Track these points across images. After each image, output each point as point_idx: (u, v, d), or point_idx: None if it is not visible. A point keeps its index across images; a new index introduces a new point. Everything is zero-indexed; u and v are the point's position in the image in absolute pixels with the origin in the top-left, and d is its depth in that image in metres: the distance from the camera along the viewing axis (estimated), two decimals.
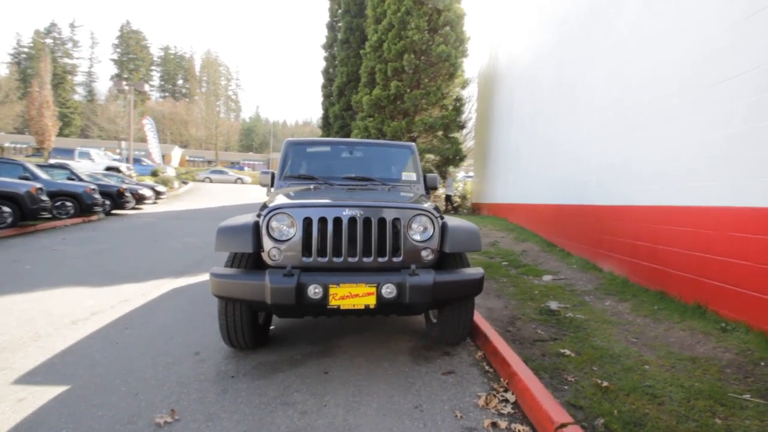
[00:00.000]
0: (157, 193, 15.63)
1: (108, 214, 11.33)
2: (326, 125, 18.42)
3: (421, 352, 2.87)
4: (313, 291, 2.32)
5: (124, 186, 12.56)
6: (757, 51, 3.01)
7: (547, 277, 4.94)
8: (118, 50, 61.36)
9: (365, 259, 2.53)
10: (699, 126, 3.54)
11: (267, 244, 2.49)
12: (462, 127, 13.26)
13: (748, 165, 3.01)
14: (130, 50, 61.23)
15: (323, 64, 18.66)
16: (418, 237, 2.61)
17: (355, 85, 15.30)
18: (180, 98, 59.97)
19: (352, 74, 15.34)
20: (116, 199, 11.71)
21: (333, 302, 2.33)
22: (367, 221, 2.54)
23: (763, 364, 2.41)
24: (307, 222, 2.52)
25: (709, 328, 2.97)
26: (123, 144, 26.26)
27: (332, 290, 2.32)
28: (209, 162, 44.95)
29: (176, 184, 20.94)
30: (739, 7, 3.22)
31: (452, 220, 2.81)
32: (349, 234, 2.53)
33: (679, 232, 3.59)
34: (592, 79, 5.67)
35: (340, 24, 17.26)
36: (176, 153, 45.30)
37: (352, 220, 2.53)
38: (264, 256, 2.51)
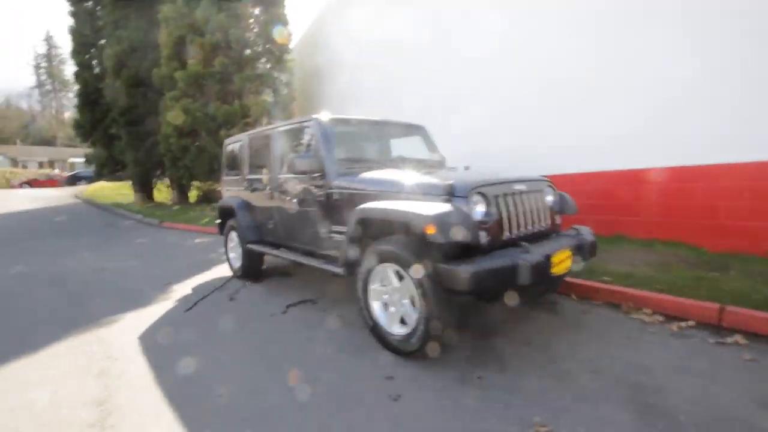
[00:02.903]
0: None
1: None
2: (89, 104, 13.72)
3: (532, 314, 3.23)
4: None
5: None
6: None
7: None
8: None
9: (535, 228, 2.70)
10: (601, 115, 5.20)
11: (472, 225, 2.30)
12: (291, 114, 12.89)
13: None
14: None
15: (71, 20, 13.54)
16: (551, 204, 2.96)
17: (144, 54, 12.16)
18: None
19: (138, 41, 12.08)
20: None
21: (553, 270, 2.44)
22: (527, 194, 2.71)
23: (693, 257, 4.06)
24: (497, 199, 2.47)
25: (638, 247, 4.59)
26: None
27: (553, 259, 2.42)
28: None
29: None
30: None
31: None
32: (524, 207, 2.64)
33: (589, 188, 5.20)
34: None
35: None
36: None
37: (521, 194, 2.65)
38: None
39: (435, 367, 2.33)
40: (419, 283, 2.22)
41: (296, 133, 3.58)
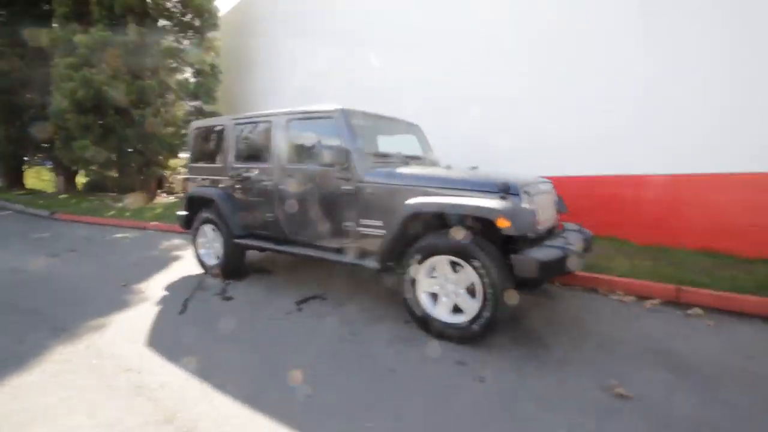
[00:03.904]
0: None
1: None
2: None
3: (531, 298, 3.65)
4: None
5: None
6: None
7: None
8: None
9: (550, 225, 3.09)
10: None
11: None
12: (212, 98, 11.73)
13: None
14: None
15: None
16: (556, 203, 3.39)
17: (26, 8, 9.93)
18: None
19: None
20: None
21: None
22: (546, 194, 3.09)
23: (627, 249, 4.95)
24: (534, 197, 2.78)
25: (602, 242, 5.41)
26: None
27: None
28: None
29: None
30: None
31: None
32: (546, 204, 3.00)
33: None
34: None
35: None
36: None
37: (544, 194, 3.02)
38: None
39: (491, 349, 2.53)
40: (487, 272, 2.40)
41: (311, 123, 3.43)
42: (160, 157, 10.55)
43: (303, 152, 3.45)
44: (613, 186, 5.26)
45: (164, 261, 4.94)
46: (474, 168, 3.47)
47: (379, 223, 3.02)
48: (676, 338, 2.71)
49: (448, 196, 2.69)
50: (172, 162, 12.32)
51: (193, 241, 4.34)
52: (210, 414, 1.89)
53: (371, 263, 2.99)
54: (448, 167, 3.24)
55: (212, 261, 4.21)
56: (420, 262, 2.67)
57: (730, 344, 2.64)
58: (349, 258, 3.14)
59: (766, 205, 4.21)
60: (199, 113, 10.72)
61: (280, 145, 3.58)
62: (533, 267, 2.32)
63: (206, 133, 4.35)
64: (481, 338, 2.53)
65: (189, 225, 4.45)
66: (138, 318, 3.10)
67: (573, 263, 2.53)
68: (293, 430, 1.77)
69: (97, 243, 6.16)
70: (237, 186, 3.94)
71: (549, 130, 5.67)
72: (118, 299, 3.52)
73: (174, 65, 10.19)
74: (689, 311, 3.18)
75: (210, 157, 4.28)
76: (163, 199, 11.14)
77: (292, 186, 3.48)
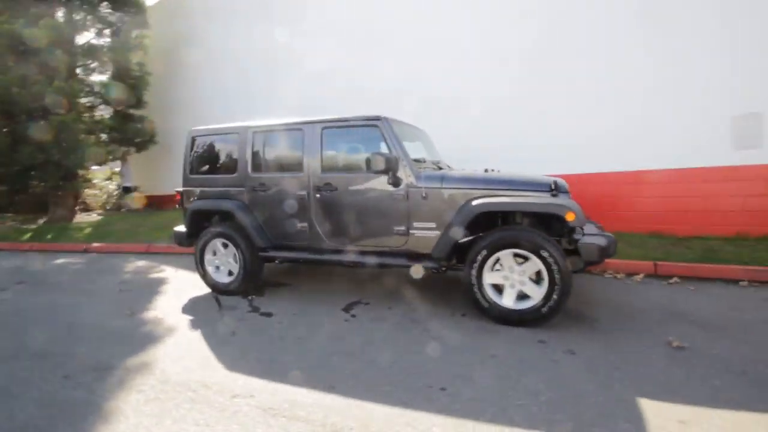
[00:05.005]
0: None
1: None
2: None
3: None
4: None
5: None
6: None
7: None
8: None
9: None
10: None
11: None
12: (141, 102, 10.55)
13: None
14: None
15: None
16: None
17: None
18: None
19: None
20: None
21: None
22: None
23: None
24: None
25: None
26: None
27: None
28: None
29: None
30: None
31: None
32: None
33: None
34: None
35: None
36: None
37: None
38: None
39: (557, 328, 2.88)
40: (555, 261, 2.74)
41: (349, 130, 3.47)
42: (80, 171, 9.24)
43: (343, 160, 3.48)
44: (580, 181, 6.06)
45: (150, 284, 4.47)
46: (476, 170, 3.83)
47: (432, 224, 3.20)
48: (678, 302, 3.37)
49: (507, 196, 3.00)
50: (89, 175, 10.88)
51: (199, 259, 4.01)
52: (373, 418, 1.91)
53: (427, 263, 3.16)
54: (491, 170, 3.56)
55: (225, 278, 3.95)
56: (486, 257, 2.92)
57: (716, 301, 3.36)
58: (399, 260, 3.27)
59: (697, 194, 5.29)
60: (126, 119, 9.62)
61: (314, 152, 3.54)
62: (596, 252, 2.73)
63: (211, 142, 4.07)
64: (547, 320, 2.87)
65: (190, 242, 4.11)
66: (183, 346, 2.84)
67: (613, 249, 3.00)
68: (463, 420, 1.89)
69: (41, 272, 5.27)
70: (258, 197, 3.77)
71: (528, 133, 6.25)
72: (139, 331, 3.16)
73: (95, 65, 9.01)
74: (671, 281, 3.92)
75: (217, 167, 4.01)
76: (84, 216, 9.74)
77: (331, 194, 3.47)
